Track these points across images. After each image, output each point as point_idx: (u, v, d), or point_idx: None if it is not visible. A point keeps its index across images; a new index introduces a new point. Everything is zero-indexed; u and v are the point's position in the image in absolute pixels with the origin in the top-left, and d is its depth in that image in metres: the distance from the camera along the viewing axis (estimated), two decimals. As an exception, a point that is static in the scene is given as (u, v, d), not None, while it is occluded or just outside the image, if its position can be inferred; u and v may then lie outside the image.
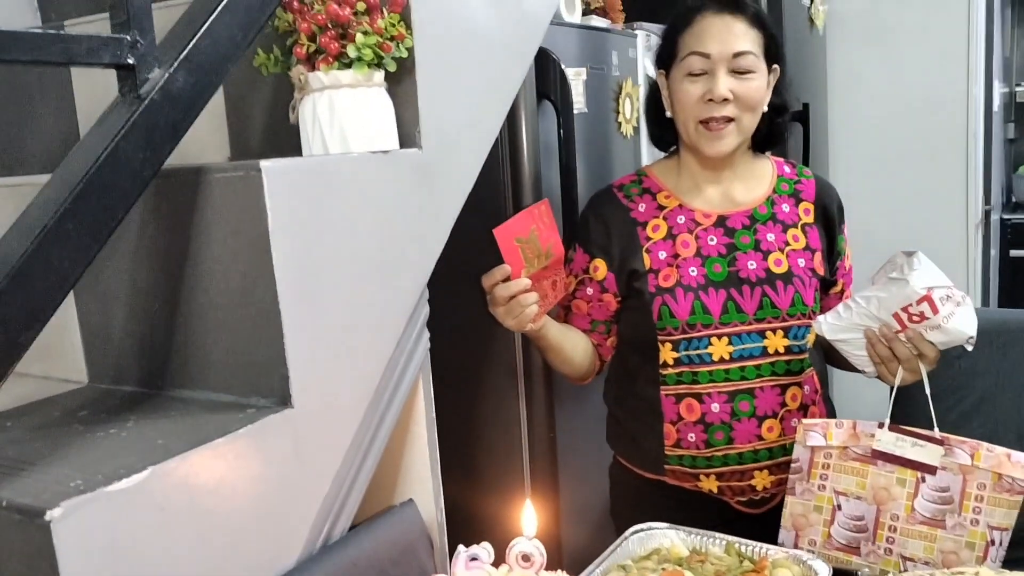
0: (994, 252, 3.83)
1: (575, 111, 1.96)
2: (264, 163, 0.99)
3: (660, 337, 1.51)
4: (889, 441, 1.36)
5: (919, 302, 1.34)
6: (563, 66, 1.92)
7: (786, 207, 1.59)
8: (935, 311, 1.33)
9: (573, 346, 1.58)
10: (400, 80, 1.21)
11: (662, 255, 1.54)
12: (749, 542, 1.33)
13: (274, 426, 1.01)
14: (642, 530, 1.36)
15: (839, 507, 1.38)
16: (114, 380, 1.19)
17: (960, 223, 3.48)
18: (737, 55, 1.46)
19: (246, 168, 1.00)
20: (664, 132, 1.62)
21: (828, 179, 3.55)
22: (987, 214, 3.55)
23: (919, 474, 1.34)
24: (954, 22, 3.35)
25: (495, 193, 1.84)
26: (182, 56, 0.95)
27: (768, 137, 1.60)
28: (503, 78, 1.42)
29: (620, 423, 1.65)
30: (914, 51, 3.41)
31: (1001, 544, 1.31)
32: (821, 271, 1.57)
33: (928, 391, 1.36)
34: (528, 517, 0.99)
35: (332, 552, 1.10)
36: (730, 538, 1.33)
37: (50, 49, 0.87)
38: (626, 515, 1.50)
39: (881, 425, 1.37)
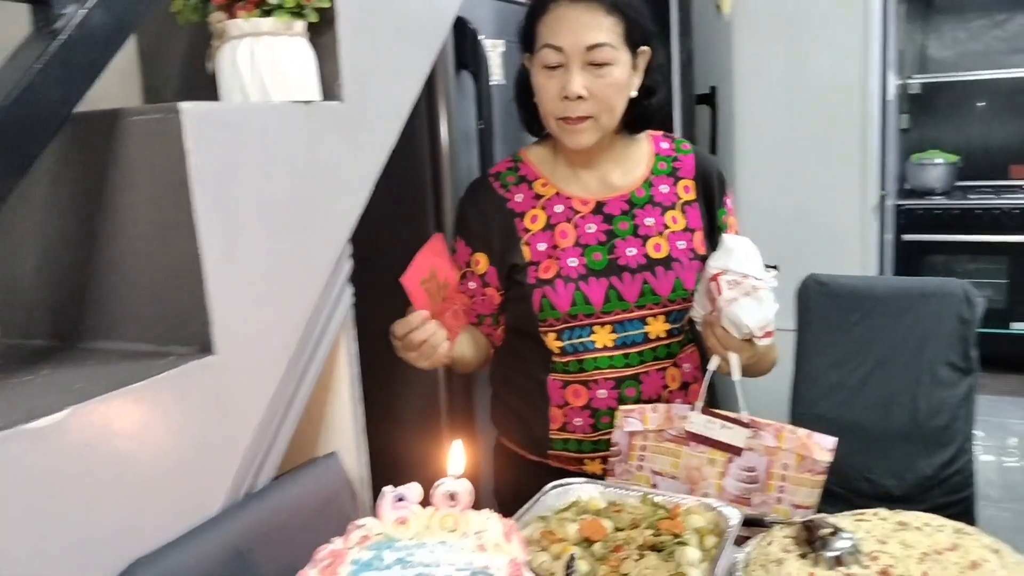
0: (888, 236, 4.01)
1: (493, 82, 1.98)
2: (183, 105, 0.98)
3: (542, 328, 1.50)
4: (700, 423, 1.43)
5: (710, 281, 1.42)
6: (481, 37, 1.94)
7: (664, 187, 1.56)
8: (719, 292, 1.39)
9: (471, 350, 1.56)
10: (322, 32, 1.21)
11: (541, 247, 1.51)
12: (663, 493, 1.38)
13: (195, 373, 1.00)
14: (560, 485, 1.39)
15: (655, 486, 1.44)
16: (24, 334, 1.15)
17: (857, 207, 3.62)
18: (592, 48, 1.40)
19: (164, 111, 0.99)
20: (534, 118, 1.54)
21: (734, 161, 3.68)
22: (882, 199, 3.71)
23: (728, 455, 1.42)
24: (852, 15, 3.48)
25: (416, 158, 1.85)
26: (99, -7, 0.93)
27: (637, 121, 1.54)
28: (424, 37, 1.44)
29: (506, 405, 1.64)
30: (815, 41, 3.54)
31: None
32: (702, 250, 1.54)
33: (736, 378, 1.42)
34: (455, 456, 1.01)
35: (255, 500, 1.10)
36: (646, 490, 1.38)
37: (-40, -22, 0.84)
38: (508, 496, 1.52)
39: (693, 408, 1.44)
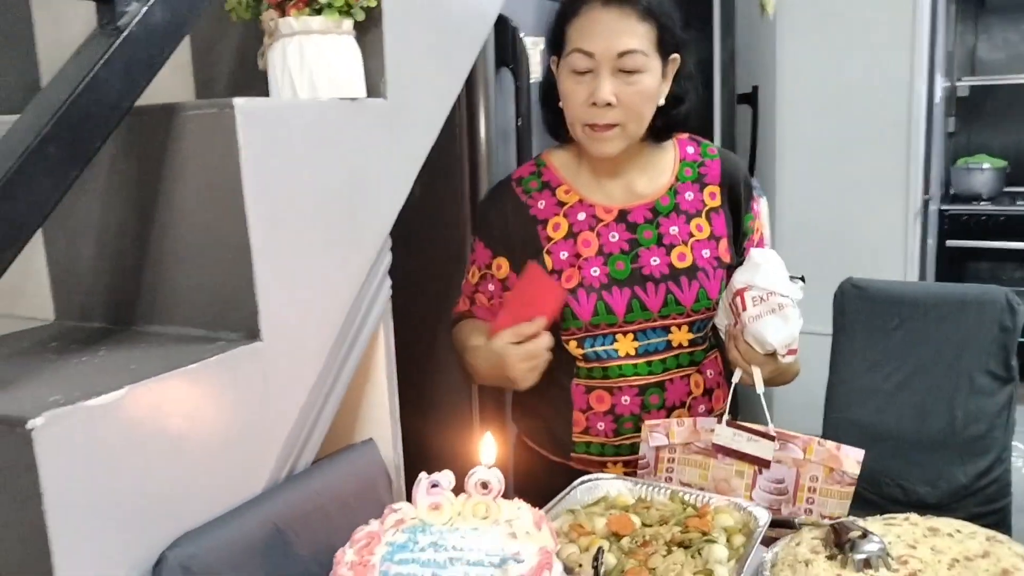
0: (931, 242, 3.96)
1: (533, 80, 2.01)
2: (237, 101, 1.02)
3: (564, 336, 1.49)
4: (727, 436, 1.43)
5: (734, 297, 1.42)
6: (521, 34, 1.97)
7: (690, 195, 1.53)
8: (744, 308, 1.39)
9: None
10: (368, 30, 1.24)
11: (563, 255, 1.49)
12: (692, 491, 1.39)
13: (244, 357, 1.05)
14: (589, 480, 1.42)
15: None
16: (81, 317, 1.21)
17: (900, 212, 3.59)
18: (623, 54, 1.37)
19: (219, 106, 1.03)
20: (559, 122, 1.50)
21: (775, 162, 3.66)
22: (926, 204, 3.67)
23: (756, 467, 1.42)
24: (899, 16, 3.45)
25: (454, 154, 1.88)
26: (160, -9, 0.97)
27: (664, 129, 1.51)
28: (466, 35, 1.46)
29: (528, 406, 1.62)
30: (860, 42, 3.51)
31: None
32: (727, 258, 1.52)
33: (760, 391, 1.42)
34: (487, 447, 1.04)
35: (297, 482, 1.14)
36: (674, 487, 1.40)
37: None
38: (531, 494, 1.54)
39: (720, 421, 1.44)
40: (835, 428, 1.97)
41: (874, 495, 1.91)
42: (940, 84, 3.85)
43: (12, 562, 0.88)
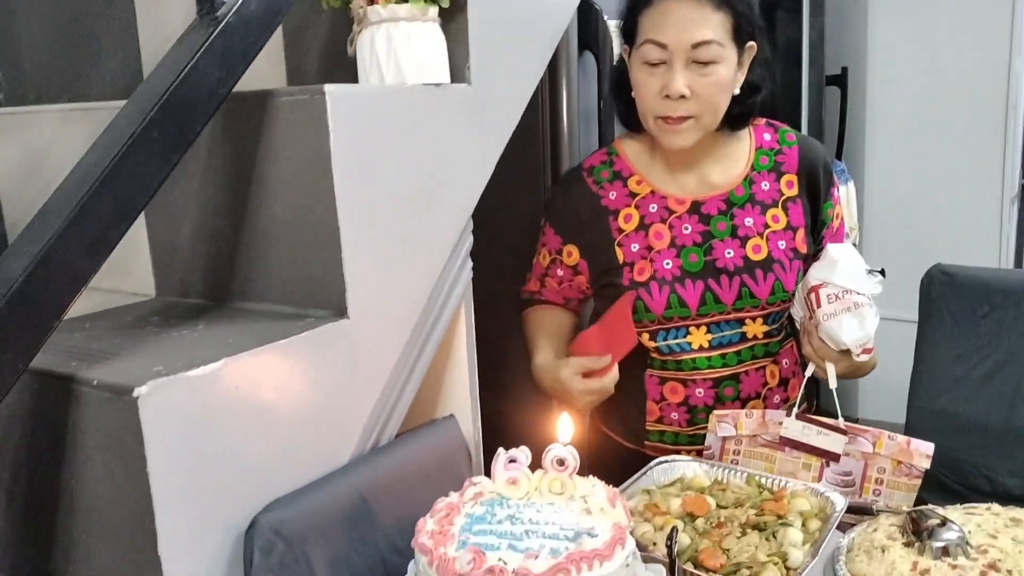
0: (1029, 227, 3.83)
1: (615, 62, 2.01)
2: (328, 87, 1.06)
3: (636, 328, 1.47)
4: (796, 429, 1.42)
5: (809, 292, 1.40)
6: (605, 17, 1.97)
7: (766, 184, 1.50)
8: (818, 305, 1.37)
9: (571, 338, 1.56)
10: (453, 17, 1.27)
11: (635, 247, 1.47)
12: (769, 475, 1.39)
13: (332, 334, 1.09)
14: (666, 461, 1.43)
15: None
16: (180, 293, 1.27)
17: (996, 197, 3.48)
18: (697, 45, 1.34)
19: (311, 92, 1.07)
20: (631, 112, 1.47)
21: (864, 146, 3.57)
22: (1023, 188, 3.55)
23: (823, 459, 1.41)
24: (999, -6, 3.34)
25: (536, 136, 1.90)
26: (256, -18, 1.02)
27: (739, 118, 1.48)
28: (548, 22, 1.47)
29: None
30: (956, 21, 3.40)
31: None
32: (804, 249, 1.50)
33: (833, 386, 1.41)
34: (563, 425, 1.06)
35: (381, 454, 1.18)
36: (750, 470, 1.40)
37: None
38: (602, 479, 1.55)
39: (789, 413, 1.43)
40: (919, 417, 1.93)
41: (959, 485, 1.86)
42: (1041, 64, 3.69)
43: (121, 520, 0.95)
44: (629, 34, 1.43)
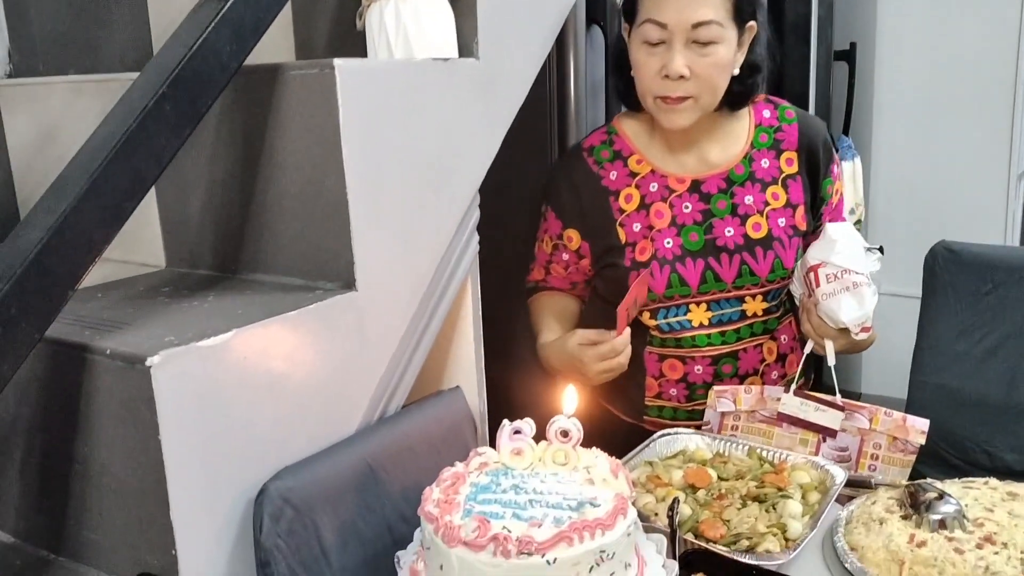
0: (1035, 206, 3.82)
1: (615, 40, 2.01)
2: (337, 61, 1.06)
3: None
4: (793, 405, 1.44)
5: (808, 271, 1.42)
6: (613, -7, 1.97)
7: (765, 162, 1.51)
8: (817, 284, 1.39)
9: (563, 330, 1.55)
10: (461, -8, 1.27)
11: (636, 227, 1.48)
12: (770, 447, 1.41)
13: (340, 306, 1.11)
14: (668, 433, 1.45)
15: None
16: (190, 265, 1.29)
17: (1002, 175, 3.46)
18: (697, 25, 1.34)
19: (320, 66, 1.08)
20: (631, 91, 1.48)
21: (871, 122, 3.56)
22: (1030, 168, 3.54)
23: (820, 436, 1.43)
24: (1011, -27, 3.30)
25: (543, 109, 1.91)
26: (266, -43, 1.02)
27: (739, 98, 1.48)
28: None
29: None
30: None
31: None
32: (803, 226, 1.51)
33: (832, 363, 1.43)
34: (568, 397, 1.08)
35: (388, 424, 1.20)
36: (752, 443, 1.42)
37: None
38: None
39: (787, 390, 1.45)
40: (921, 392, 1.94)
41: (960, 460, 1.88)
42: (1053, 41, 3.67)
43: (133, 486, 0.97)
44: (629, 13, 1.43)
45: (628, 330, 1.40)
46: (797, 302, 1.51)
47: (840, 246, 1.39)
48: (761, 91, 1.52)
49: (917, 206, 3.56)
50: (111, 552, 1.02)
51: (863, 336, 1.42)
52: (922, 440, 1.38)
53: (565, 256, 1.57)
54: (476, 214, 1.37)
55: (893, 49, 3.51)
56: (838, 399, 1.43)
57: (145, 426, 0.92)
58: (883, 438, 1.40)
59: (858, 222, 3.02)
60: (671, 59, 1.36)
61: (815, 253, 1.42)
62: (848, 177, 3.00)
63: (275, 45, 1.44)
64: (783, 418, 1.46)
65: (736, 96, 1.47)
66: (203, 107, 0.98)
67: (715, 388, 1.49)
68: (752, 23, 1.43)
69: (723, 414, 1.48)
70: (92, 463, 1.01)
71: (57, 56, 1.61)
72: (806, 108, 2.95)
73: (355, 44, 1.30)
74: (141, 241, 1.32)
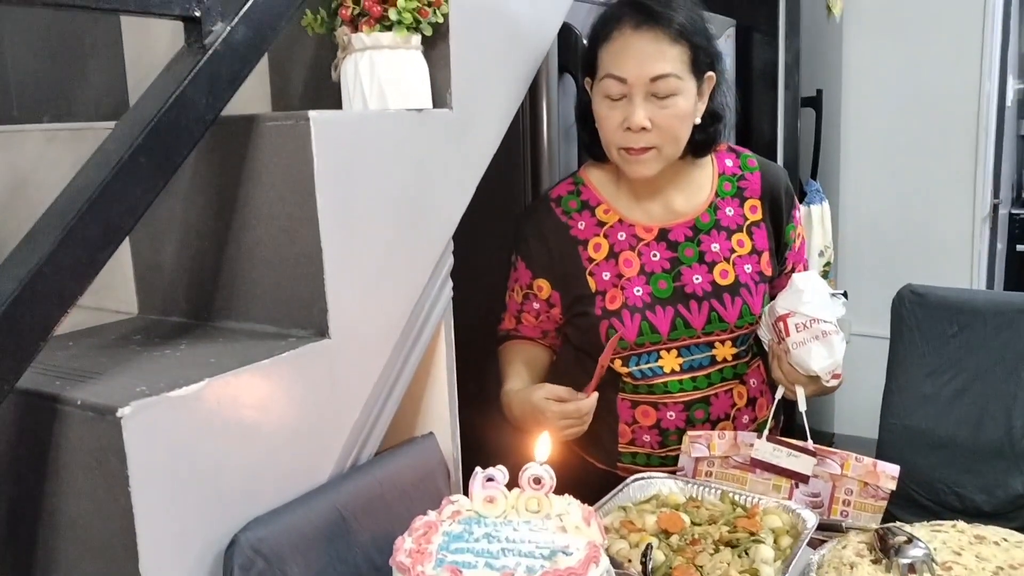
0: (1001, 246, 3.88)
1: (579, 94, 2.04)
2: (312, 113, 1.08)
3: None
4: (766, 451, 1.45)
5: (776, 321, 1.44)
6: (584, 41, 2.00)
7: (730, 210, 1.53)
8: (787, 334, 1.41)
9: (531, 379, 1.54)
10: (435, 44, 1.29)
11: (606, 276, 1.49)
12: (743, 491, 1.42)
13: (313, 354, 1.11)
14: (642, 478, 1.45)
15: None
16: (163, 312, 1.29)
17: (967, 216, 3.54)
18: (656, 79, 1.36)
19: (295, 117, 1.09)
20: (596, 143, 1.50)
21: (839, 166, 3.63)
22: (995, 208, 3.60)
23: (792, 481, 1.45)
24: (970, 16, 3.39)
25: (517, 157, 1.93)
26: (243, 11, 1.05)
27: (702, 146, 1.50)
28: (529, 47, 1.51)
29: None
30: (929, 44, 3.46)
31: None
32: (769, 271, 1.53)
33: (803, 408, 1.45)
34: (541, 444, 1.08)
35: (360, 472, 1.20)
36: (725, 487, 1.43)
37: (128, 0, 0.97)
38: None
39: (760, 436, 1.46)
40: (891, 434, 1.97)
41: (930, 501, 1.90)
42: (1012, 86, 3.77)
43: (102, 538, 0.96)
44: (590, 67, 1.46)
45: (595, 395, 1.39)
46: (766, 347, 1.53)
47: (808, 296, 1.41)
48: (724, 139, 1.55)
49: (885, 248, 3.63)
50: (78, 605, 1.01)
51: (834, 383, 1.44)
52: (892, 486, 1.39)
53: (536, 305, 1.58)
54: (450, 260, 1.38)
55: (858, 95, 3.59)
56: (810, 444, 1.44)
57: (115, 477, 0.92)
58: (854, 483, 1.41)
59: (827, 264, 3.07)
60: (632, 112, 1.38)
61: (783, 303, 1.44)
62: (817, 220, 3.05)
63: (251, 94, 1.46)
64: (756, 464, 1.47)
65: (699, 144, 1.50)
66: (178, 159, 0.99)
67: (689, 433, 1.49)
68: (711, 73, 1.45)
69: (697, 459, 1.49)
70: (61, 514, 1.00)
71: (32, 103, 1.62)
72: (774, 154, 3.01)
73: (330, 94, 1.32)
74: (113, 288, 1.32)
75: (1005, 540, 1.22)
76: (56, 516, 1.00)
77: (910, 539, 1.20)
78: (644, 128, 1.39)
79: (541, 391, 1.41)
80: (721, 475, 1.48)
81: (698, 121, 1.46)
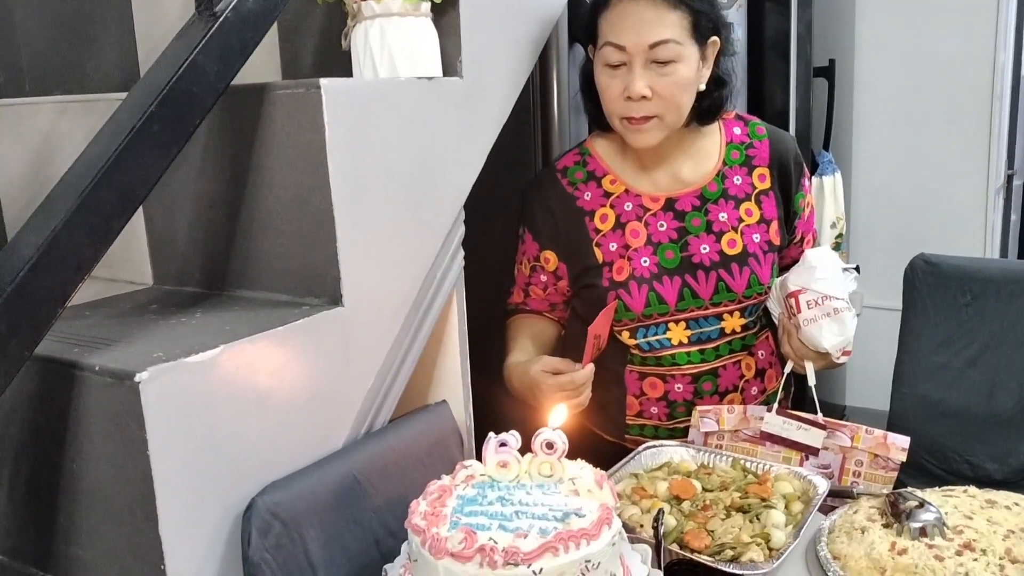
0: (1015, 217, 3.85)
1: (583, 63, 2.03)
2: (323, 81, 1.08)
3: (616, 327, 1.49)
4: (776, 425, 1.46)
5: (788, 297, 1.43)
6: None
7: (738, 179, 1.52)
8: (798, 310, 1.41)
9: (551, 348, 1.56)
10: (445, 12, 1.29)
11: (613, 247, 1.48)
12: (753, 459, 1.43)
13: (327, 321, 1.12)
14: (653, 446, 1.46)
15: None
16: (177, 282, 1.30)
17: (981, 187, 3.51)
18: (655, 45, 1.35)
19: (307, 86, 1.09)
20: (600, 112, 1.48)
21: (851, 137, 3.60)
22: (1009, 179, 3.57)
23: (802, 454, 1.45)
24: (985, -15, 3.36)
25: (526, 126, 1.92)
26: (253, -21, 1.04)
27: (707, 112, 1.49)
28: (539, 16, 1.50)
29: None
30: (943, 13, 3.41)
31: None
32: (777, 241, 1.52)
33: (812, 383, 1.45)
34: (557, 412, 1.09)
35: (375, 438, 1.21)
36: (736, 455, 1.44)
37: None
38: None
39: (769, 409, 1.47)
40: (903, 403, 1.97)
41: (941, 470, 1.90)
42: (1028, 56, 3.72)
43: (122, 502, 0.97)
44: (591, 36, 1.45)
45: (591, 366, 1.39)
46: (775, 319, 1.53)
47: (820, 272, 1.41)
48: (730, 105, 1.54)
49: (897, 219, 3.61)
50: (100, 568, 1.03)
51: (844, 359, 1.44)
52: (903, 457, 1.40)
53: (543, 278, 1.58)
54: (461, 229, 1.38)
55: (871, 65, 3.55)
56: (820, 417, 1.45)
57: (134, 441, 0.93)
58: (864, 455, 1.42)
59: (839, 236, 3.05)
60: (631, 81, 1.37)
61: (796, 279, 1.43)
62: (829, 191, 3.03)
63: (261, 64, 1.46)
64: (766, 437, 1.47)
65: (704, 111, 1.49)
66: (191, 127, 1.00)
67: (698, 408, 1.49)
68: (715, 38, 1.43)
69: (707, 434, 1.49)
70: (81, 479, 1.01)
71: (43, 76, 1.62)
72: (786, 124, 2.99)
73: (340, 63, 1.32)
74: (129, 259, 1.33)
75: (1017, 504, 1.23)
76: (76, 481, 1.02)
77: (921, 503, 1.21)
78: (644, 97, 1.38)
79: (538, 364, 1.41)
80: (731, 448, 1.49)
81: (703, 88, 1.45)
